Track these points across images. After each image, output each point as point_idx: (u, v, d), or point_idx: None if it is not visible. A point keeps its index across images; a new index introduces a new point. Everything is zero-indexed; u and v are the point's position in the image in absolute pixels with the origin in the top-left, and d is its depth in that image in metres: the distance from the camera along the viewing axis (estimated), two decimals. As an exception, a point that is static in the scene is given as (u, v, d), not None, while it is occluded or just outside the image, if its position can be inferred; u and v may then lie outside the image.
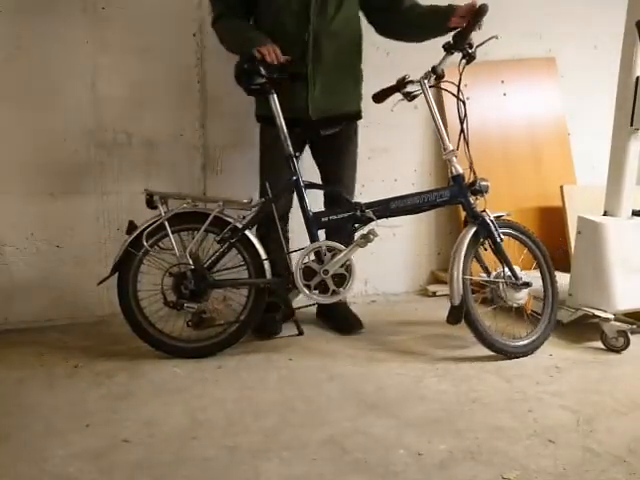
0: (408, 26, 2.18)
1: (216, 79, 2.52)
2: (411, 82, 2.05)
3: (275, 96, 2.00)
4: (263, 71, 1.94)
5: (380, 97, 2.12)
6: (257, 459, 1.36)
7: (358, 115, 2.28)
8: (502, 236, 2.07)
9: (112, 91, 2.39)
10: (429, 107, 2.08)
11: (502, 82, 3.09)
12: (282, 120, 2.01)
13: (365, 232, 2.01)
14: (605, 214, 2.32)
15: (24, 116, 2.28)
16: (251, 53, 1.93)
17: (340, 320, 2.33)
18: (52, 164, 2.34)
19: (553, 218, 2.90)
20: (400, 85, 2.06)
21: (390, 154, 2.92)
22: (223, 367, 1.95)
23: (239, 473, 1.31)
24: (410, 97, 2.08)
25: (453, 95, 2.05)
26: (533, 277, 2.16)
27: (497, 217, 2.11)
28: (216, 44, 2.48)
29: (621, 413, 1.61)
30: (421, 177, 3.00)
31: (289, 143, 2.02)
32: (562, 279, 2.28)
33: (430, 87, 2.06)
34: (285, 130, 2.02)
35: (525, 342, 2.08)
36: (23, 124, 2.28)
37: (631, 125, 2.22)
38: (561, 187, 2.94)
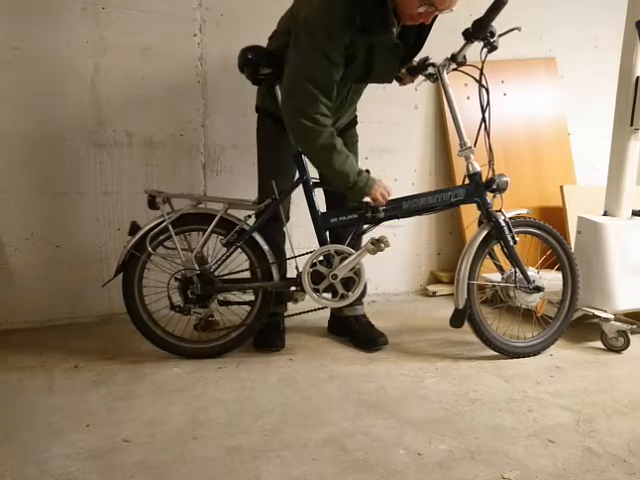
0: None
1: (216, 79, 2.53)
2: (432, 65, 2.01)
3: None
4: (269, 62, 1.89)
5: (404, 79, 2.13)
6: (257, 459, 1.36)
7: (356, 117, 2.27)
8: (517, 238, 2.01)
9: (112, 91, 2.39)
10: (446, 96, 2.00)
11: (502, 82, 3.10)
12: None
13: (377, 238, 1.95)
14: (605, 214, 2.33)
15: (24, 116, 2.28)
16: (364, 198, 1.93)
17: (361, 334, 2.19)
18: (52, 164, 2.34)
19: (553, 218, 2.90)
20: (421, 66, 2.03)
21: (390, 154, 2.92)
22: (223, 367, 1.95)
23: (239, 473, 1.31)
24: (433, 78, 2.05)
25: (476, 80, 1.96)
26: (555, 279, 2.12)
27: (516, 216, 2.06)
28: (216, 44, 2.50)
29: (621, 413, 1.61)
30: (421, 177, 3.01)
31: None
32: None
33: (454, 70, 1.99)
34: None
35: (530, 344, 2.08)
36: (23, 124, 2.28)
37: (631, 125, 2.22)
38: (561, 187, 2.95)
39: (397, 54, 1.87)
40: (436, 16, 1.80)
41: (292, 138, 1.91)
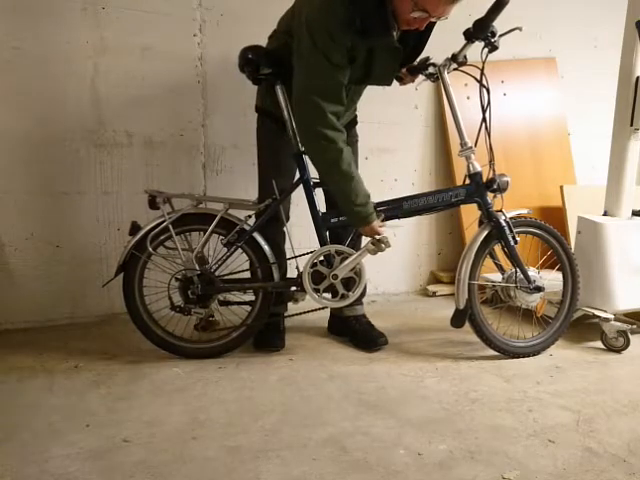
0: None
1: (216, 79, 2.52)
2: (433, 65, 2.02)
3: (283, 87, 1.93)
4: (269, 62, 1.89)
5: (404, 79, 2.15)
6: (257, 459, 1.36)
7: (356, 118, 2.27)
8: (517, 238, 2.01)
9: (112, 91, 2.39)
10: (446, 96, 2.00)
11: (502, 82, 3.10)
12: (289, 113, 1.94)
13: (377, 238, 1.93)
14: (605, 214, 2.33)
15: (24, 116, 2.28)
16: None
17: (361, 334, 2.19)
18: (52, 164, 2.34)
19: (553, 218, 2.90)
20: (422, 66, 2.04)
21: (390, 154, 2.92)
22: (223, 367, 1.95)
23: (239, 473, 1.31)
24: (434, 78, 2.06)
25: (476, 80, 1.96)
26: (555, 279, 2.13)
27: (516, 216, 2.06)
28: (216, 44, 2.50)
29: (621, 413, 1.61)
30: (421, 177, 3.01)
31: (298, 140, 1.94)
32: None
33: (454, 70, 2.00)
34: (290, 125, 1.94)
35: (531, 344, 2.08)
36: (23, 124, 2.28)
37: (631, 125, 2.23)
38: (561, 187, 2.95)
39: (397, 57, 1.86)
40: (434, 22, 1.80)
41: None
